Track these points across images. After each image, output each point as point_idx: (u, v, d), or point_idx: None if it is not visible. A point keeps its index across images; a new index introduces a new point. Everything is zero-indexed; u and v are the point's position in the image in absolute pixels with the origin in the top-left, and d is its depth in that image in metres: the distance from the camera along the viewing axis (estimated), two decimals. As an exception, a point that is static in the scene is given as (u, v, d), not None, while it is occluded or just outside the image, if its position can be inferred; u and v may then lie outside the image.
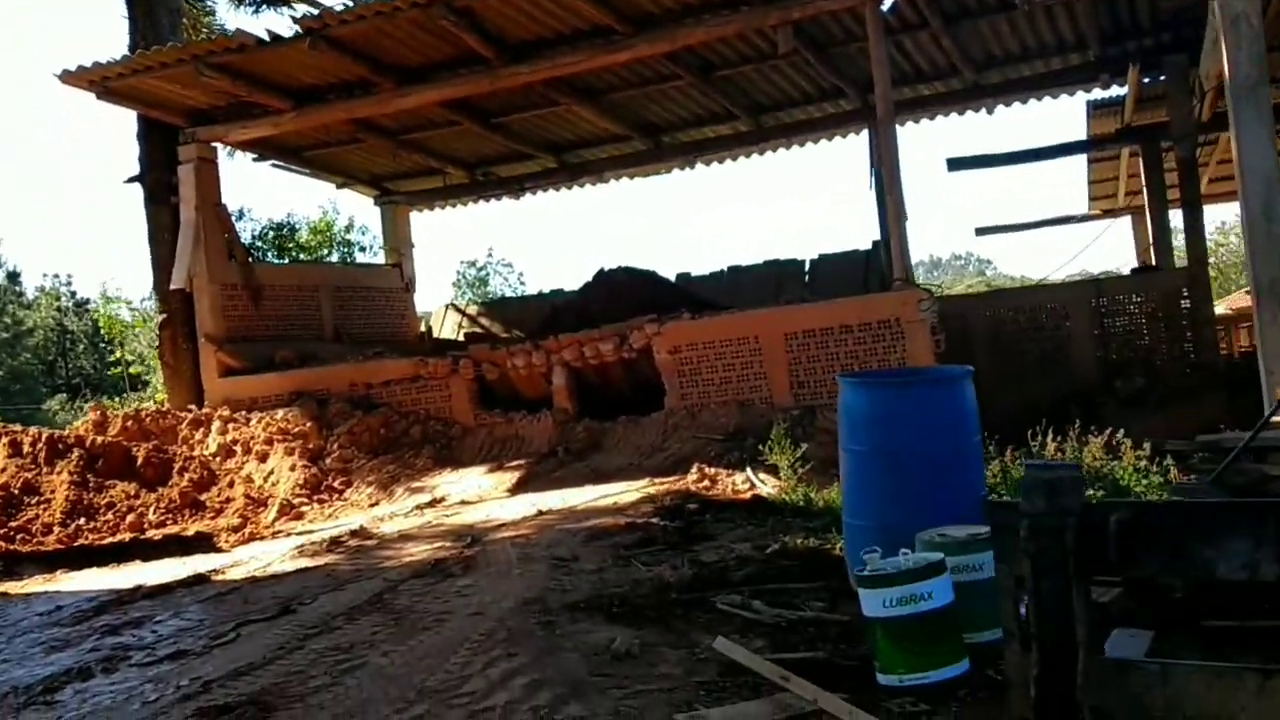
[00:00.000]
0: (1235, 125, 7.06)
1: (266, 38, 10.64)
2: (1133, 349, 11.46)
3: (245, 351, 12.37)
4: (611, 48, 10.77)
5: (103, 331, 26.18)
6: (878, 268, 13.88)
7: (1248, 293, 8.50)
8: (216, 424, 11.34)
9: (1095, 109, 13.86)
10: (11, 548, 8.54)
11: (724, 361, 10.16)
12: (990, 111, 13.36)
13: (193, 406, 12.05)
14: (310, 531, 8.57)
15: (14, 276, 47.75)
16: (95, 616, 5.96)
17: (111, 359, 27.18)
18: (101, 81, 11.47)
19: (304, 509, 9.63)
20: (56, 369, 43.84)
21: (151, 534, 9.08)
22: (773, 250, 50.49)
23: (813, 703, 3.40)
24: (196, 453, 10.90)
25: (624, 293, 12.63)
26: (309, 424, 10.94)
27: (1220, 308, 15.51)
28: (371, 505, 9.59)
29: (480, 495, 9.22)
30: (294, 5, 15.93)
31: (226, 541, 8.68)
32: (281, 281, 13.73)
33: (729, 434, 9.50)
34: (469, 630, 4.69)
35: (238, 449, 10.92)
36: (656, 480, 8.61)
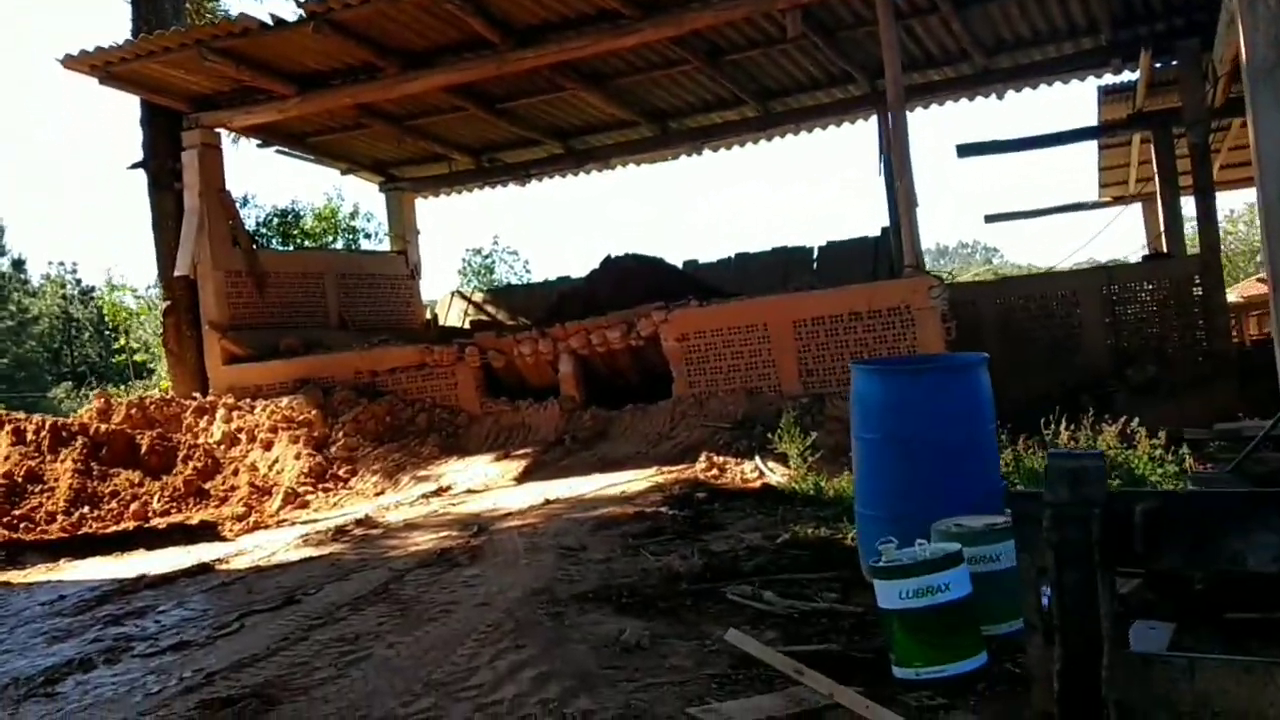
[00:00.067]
0: (1252, 109, 6.89)
1: (270, 22, 10.56)
2: (1144, 337, 11.40)
3: (250, 339, 12.32)
4: (618, 32, 10.67)
5: (107, 319, 26.26)
6: (886, 254, 13.80)
7: (1260, 280, 8.41)
8: (221, 412, 11.30)
9: (1106, 94, 13.72)
10: (15, 536, 8.52)
11: (732, 349, 10.09)
12: (1000, 97, 13.24)
13: (197, 394, 12.02)
14: (315, 520, 8.52)
15: (19, 264, 47.94)
16: (98, 606, 5.90)
17: (116, 347, 27.20)
18: (104, 66, 11.39)
19: (309, 497, 9.58)
20: (61, 356, 43.96)
21: (156, 523, 9.06)
22: (780, 237, 50.35)
23: (828, 696, 3.33)
24: (201, 441, 10.86)
25: (631, 280, 12.56)
26: (314, 412, 10.89)
27: (1230, 295, 15.40)
28: (377, 494, 9.53)
29: (486, 484, 9.16)
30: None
31: (231, 530, 8.65)
32: (286, 268, 13.67)
33: (737, 422, 9.44)
34: (476, 621, 4.63)
35: (242, 437, 10.87)
36: (664, 469, 8.55)
